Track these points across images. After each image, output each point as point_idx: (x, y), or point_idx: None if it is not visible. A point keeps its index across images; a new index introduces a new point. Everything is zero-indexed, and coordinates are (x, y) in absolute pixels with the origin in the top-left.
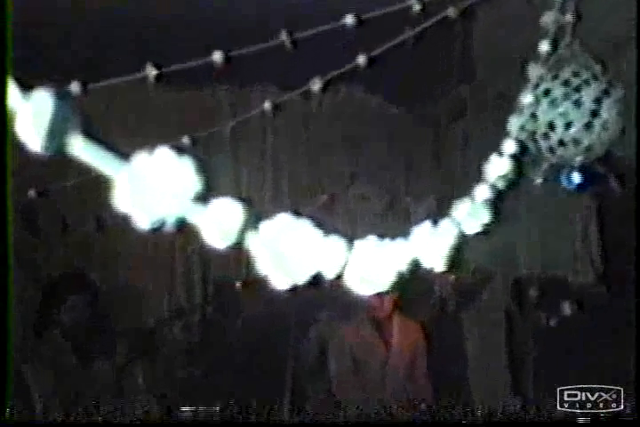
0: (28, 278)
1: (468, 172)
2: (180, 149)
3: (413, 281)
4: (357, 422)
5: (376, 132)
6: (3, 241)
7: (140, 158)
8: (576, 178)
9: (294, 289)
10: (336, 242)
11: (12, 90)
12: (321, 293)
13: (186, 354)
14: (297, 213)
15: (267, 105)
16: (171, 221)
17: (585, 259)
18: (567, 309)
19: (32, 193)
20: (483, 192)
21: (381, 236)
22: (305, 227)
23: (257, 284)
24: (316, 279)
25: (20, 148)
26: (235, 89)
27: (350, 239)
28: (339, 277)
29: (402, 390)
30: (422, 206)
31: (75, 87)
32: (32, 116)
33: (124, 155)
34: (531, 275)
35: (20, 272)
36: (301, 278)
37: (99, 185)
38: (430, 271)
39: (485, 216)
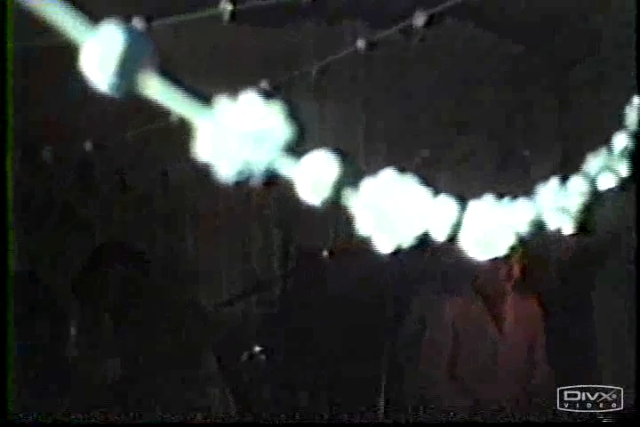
0: (78, 242)
1: (602, 117)
2: (268, 94)
3: (533, 246)
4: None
5: (489, 73)
6: (3, 241)
7: (224, 103)
8: None
9: (397, 253)
10: (447, 201)
11: (77, 24)
12: (422, 262)
13: (261, 336)
14: (402, 170)
15: (359, 43)
16: (259, 172)
17: None
18: None
19: (88, 145)
20: (621, 141)
21: (500, 195)
22: (411, 184)
23: (348, 252)
24: (424, 242)
25: (78, 91)
26: (322, 26)
27: (462, 198)
28: (451, 240)
29: (517, 378)
30: (544, 160)
31: (137, 23)
32: (100, 51)
33: (206, 98)
34: None
35: (70, 236)
36: (407, 240)
37: (165, 136)
38: (556, 234)
39: (624, 169)
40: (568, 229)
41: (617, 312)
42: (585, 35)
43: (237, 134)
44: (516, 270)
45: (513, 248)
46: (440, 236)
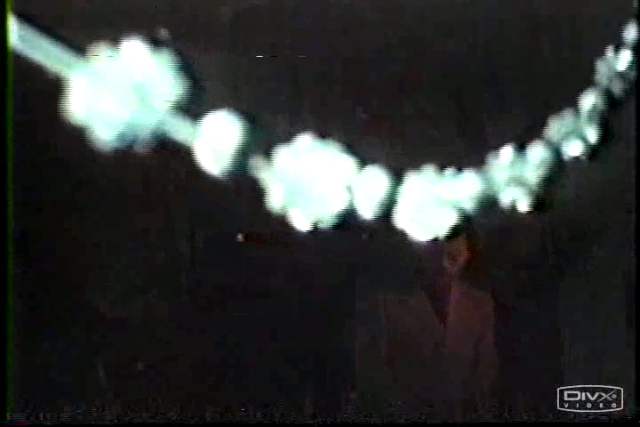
0: None
1: (572, 74)
2: (157, 42)
3: (484, 227)
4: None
5: (439, 25)
6: (3, 240)
7: (101, 54)
8: None
9: (315, 232)
10: (375, 173)
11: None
12: (355, 246)
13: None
14: (322, 136)
15: None
16: (144, 136)
17: None
18: None
19: None
20: (589, 101)
21: (442, 166)
22: (332, 153)
23: (267, 235)
24: (349, 220)
25: None
26: None
27: (397, 170)
28: (385, 218)
29: (463, 382)
30: (505, 126)
31: None
32: None
33: (80, 50)
34: None
35: None
36: (326, 216)
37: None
38: (511, 212)
39: (592, 135)
40: (524, 205)
41: (595, 306)
42: None
43: (117, 91)
44: (463, 255)
45: (456, 228)
46: (367, 213)
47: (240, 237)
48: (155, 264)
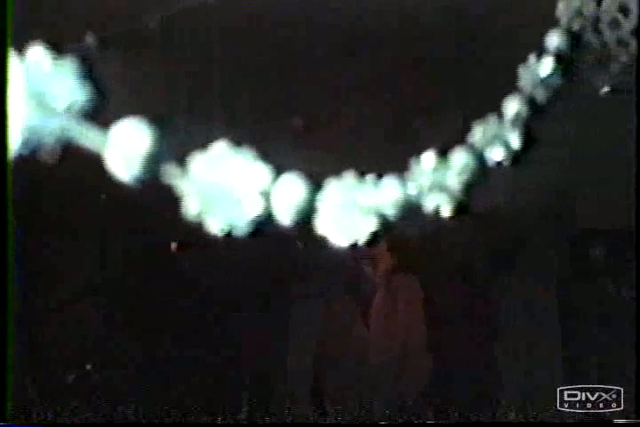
0: None
1: (495, 80)
2: (60, 49)
3: (408, 231)
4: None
5: (375, 30)
6: (3, 240)
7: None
8: None
9: (229, 237)
10: (291, 179)
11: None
12: (285, 253)
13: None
14: (237, 143)
15: None
16: (49, 142)
17: None
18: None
19: None
20: (513, 106)
21: (363, 172)
22: (248, 161)
23: (201, 243)
24: (265, 227)
25: None
26: None
27: (318, 177)
28: (305, 225)
29: (388, 389)
30: (428, 132)
31: None
32: None
33: None
34: (591, 227)
35: None
36: (240, 223)
37: None
38: (436, 217)
39: (516, 140)
40: (447, 210)
41: (526, 315)
42: None
43: (21, 96)
44: (385, 261)
45: (376, 233)
46: (285, 219)
47: (173, 246)
48: (70, 270)
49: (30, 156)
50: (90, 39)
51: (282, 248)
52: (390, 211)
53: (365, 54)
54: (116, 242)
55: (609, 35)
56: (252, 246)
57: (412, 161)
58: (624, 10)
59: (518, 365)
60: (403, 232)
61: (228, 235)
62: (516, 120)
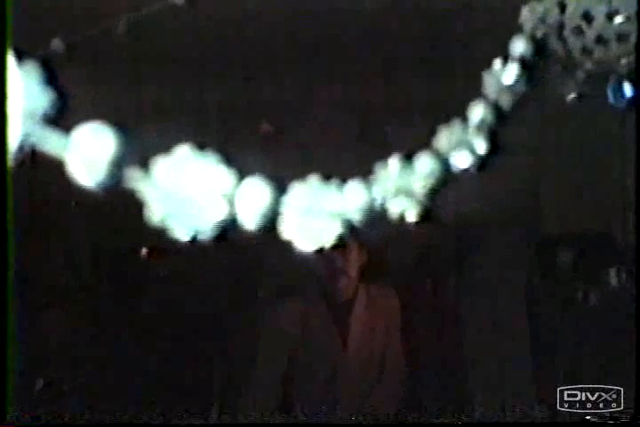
0: None
1: (464, 84)
2: (24, 55)
3: (376, 236)
4: None
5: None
6: (3, 240)
7: None
8: (627, 90)
9: (194, 242)
10: (255, 184)
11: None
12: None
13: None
14: (201, 146)
15: None
16: (15, 146)
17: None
18: (614, 279)
19: None
20: (478, 112)
21: (328, 176)
22: (210, 164)
23: (170, 248)
24: (229, 231)
25: None
26: None
27: (282, 181)
28: (269, 229)
29: (363, 398)
30: (404, 136)
31: None
32: None
33: None
34: (559, 232)
35: None
36: (204, 227)
37: None
38: (402, 223)
39: (481, 146)
40: (412, 215)
41: (494, 319)
42: None
43: None
44: (353, 267)
45: (341, 238)
46: (250, 224)
47: (144, 251)
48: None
49: None
50: (56, 44)
51: (247, 252)
52: (355, 215)
53: (332, 60)
54: (78, 248)
55: (573, 42)
56: (217, 251)
57: (378, 165)
58: (587, 17)
59: (489, 365)
60: (367, 237)
61: (193, 240)
62: (481, 126)
